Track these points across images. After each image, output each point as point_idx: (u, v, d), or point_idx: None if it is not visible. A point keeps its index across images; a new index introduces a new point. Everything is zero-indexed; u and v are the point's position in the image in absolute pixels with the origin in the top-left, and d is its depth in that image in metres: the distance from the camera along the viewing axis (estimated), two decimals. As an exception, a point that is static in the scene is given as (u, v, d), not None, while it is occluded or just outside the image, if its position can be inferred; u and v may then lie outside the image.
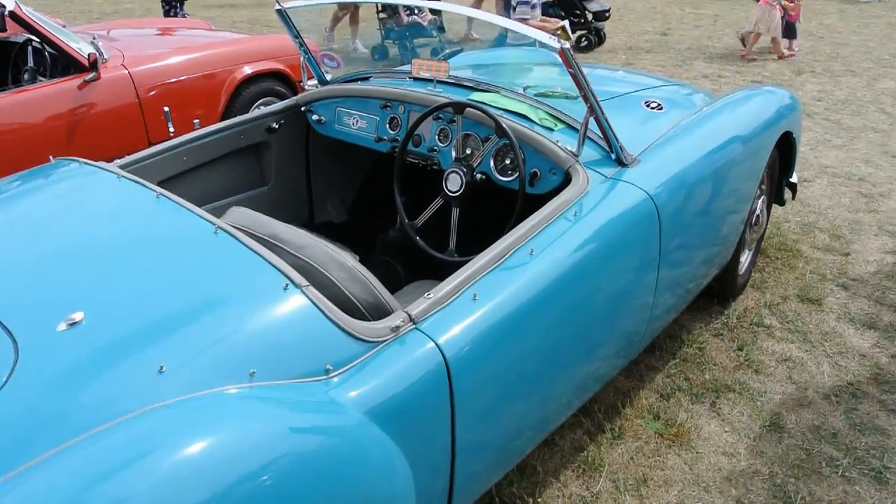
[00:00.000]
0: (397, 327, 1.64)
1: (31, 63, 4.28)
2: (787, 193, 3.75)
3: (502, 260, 1.90)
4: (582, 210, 2.15)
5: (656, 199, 2.34)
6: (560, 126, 2.49)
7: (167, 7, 8.05)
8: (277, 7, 2.81)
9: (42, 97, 3.98)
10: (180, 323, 1.51)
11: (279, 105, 3.12)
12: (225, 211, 3.07)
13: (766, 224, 3.64)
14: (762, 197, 3.37)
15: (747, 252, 3.49)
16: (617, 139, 2.35)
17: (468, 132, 2.56)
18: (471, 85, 2.74)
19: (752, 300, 3.53)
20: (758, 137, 3.05)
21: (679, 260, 2.57)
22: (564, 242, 2.04)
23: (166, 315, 1.54)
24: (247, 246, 1.71)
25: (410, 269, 2.77)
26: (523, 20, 7.16)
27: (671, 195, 2.42)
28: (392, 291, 2.66)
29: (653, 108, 2.92)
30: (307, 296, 1.60)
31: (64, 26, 6.25)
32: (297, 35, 2.94)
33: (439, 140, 2.67)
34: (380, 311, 1.76)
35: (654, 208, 2.33)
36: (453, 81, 2.75)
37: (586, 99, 2.22)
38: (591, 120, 2.28)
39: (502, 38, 7.05)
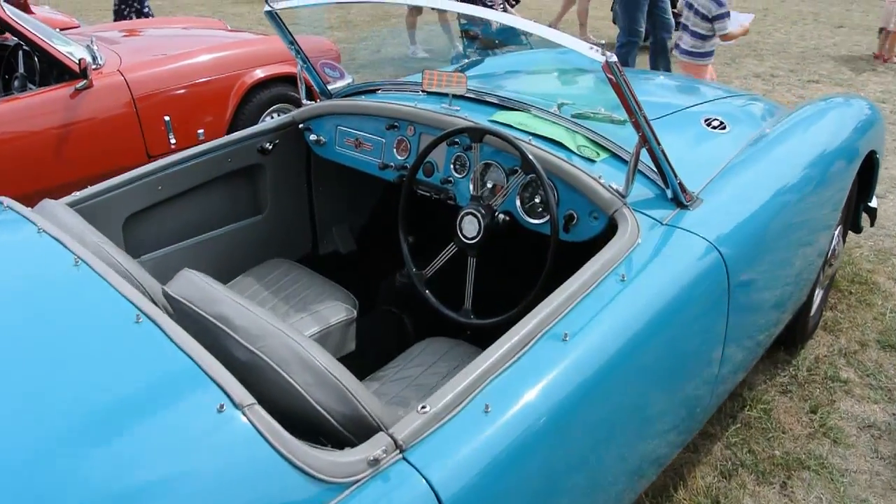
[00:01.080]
0: (376, 460, 1.16)
1: (21, 69, 3.89)
2: (865, 219, 3.17)
3: (526, 349, 1.41)
4: (631, 270, 1.64)
5: (723, 250, 1.82)
6: (603, 156, 1.98)
7: (122, 6, 6.39)
8: (267, 9, 2.34)
9: (30, 107, 3.58)
10: (66, 464, 1.06)
11: (273, 123, 2.65)
12: (212, 245, 2.66)
13: (841, 256, 3.08)
14: (839, 226, 2.81)
15: (820, 290, 2.93)
16: (675, 175, 1.83)
17: (490, 161, 2.06)
18: (494, 101, 2.23)
19: (824, 346, 2.97)
20: (839, 161, 2.49)
21: (749, 312, 2.04)
22: (609, 320, 1.54)
23: (49, 450, 1.08)
24: (175, 342, 1.24)
25: (421, 322, 2.29)
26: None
27: (741, 243, 1.90)
28: (398, 349, 2.19)
29: (714, 128, 2.38)
30: (249, 420, 1.13)
31: (77, 27, 5.92)
32: (291, 41, 2.47)
33: (455, 170, 2.18)
34: (360, 428, 1.28)
35: (721, 263, 1.81)
36: (473, 97, 2.25)
37: (637, 126, 1.71)
38: (644, 151, 1.76)
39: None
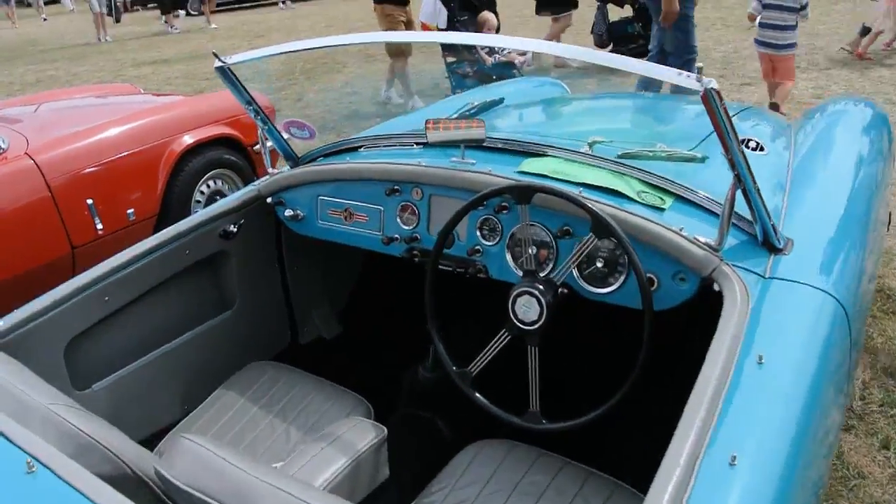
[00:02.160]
0: None
1: None
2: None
3: (691, 485, 1.01)
4: (763, 347, 1.27)
5: (838, 295, 1.49)
6: (669, 201, 1.61)
7: None
8: (218, 64, 1.88)
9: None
10: None
11: (234, 200, 2.17)
12: (177, 357, 2.14)
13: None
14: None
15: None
16: (770, 217, 1.48)
17: (532, 223, 1.66)
18: (516, 148, 1.84)
19: (866, 367, 2.70)
20: (880, 164, 2.24)
21: (857, 352, 1.73)
22: (769, 423, 1.16)
23: None
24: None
25: (455, 422, 1.85)
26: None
27: (847, 282, 1.58)
28: (439, 461, 1.74)
29: (753, 150, 2.07)
30: None
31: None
32: (249, 100, 2.01)
33: (483, 236, 1.76)
34: None
35: (841, 311, 1.47)
36: (489, 145, 1.85)
37: (734, 165, 1.35)
38: (738, 193, 1.41)
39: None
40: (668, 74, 1.25)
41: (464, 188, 1.73)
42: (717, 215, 1.58)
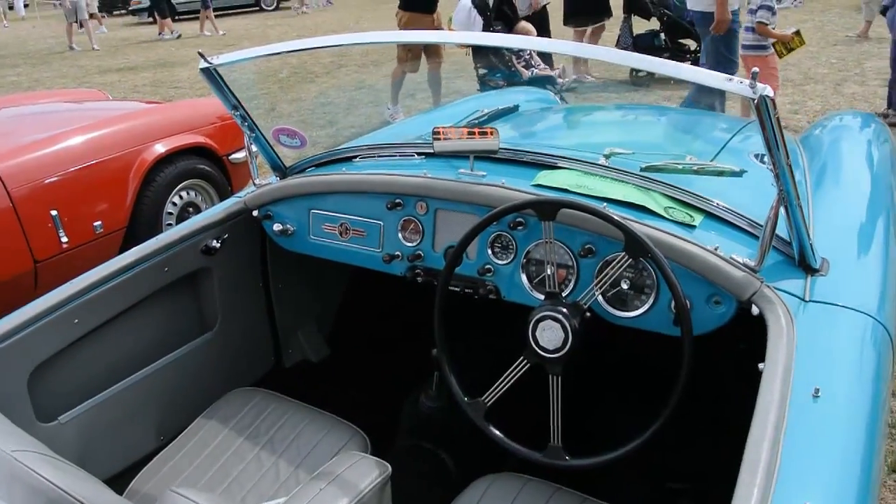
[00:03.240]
0: None
1: None
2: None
3: None
4: (816, 379, 1.16)
5: (881, 318, 1.38)
6: (698, 218, 1.50)
7: None
8: (204, 65, 1.72)
9: None
10: None
11: (218, 212, 2.01)
12: (152, 383, 1.96)
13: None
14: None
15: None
16: (809, 236, 1.38)
17: (552, 241, 1.53)
18: (529, 159, 1.71)
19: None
20: (892, 172, 2.19)
21: None
22: (834, 466, 1.04)
23: None
24: None
25: (461, 455, 1.70)
26: None
27: (889, 304, 1.47)
28: (444, 500, 1.59)
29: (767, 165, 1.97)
30: None
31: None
32: (236, 104, 1.85)
33: (494, 254, 1.63)
34: None
35: (887, 336, 1.36)
36: (499, 156, 1.72)
37: (779, 179, 1.24)
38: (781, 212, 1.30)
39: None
40: (717, 80, 1.14)
41: (474, 203, 1.60)
42: (749, 233, 1.48)
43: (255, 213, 1.99)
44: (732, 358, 1.87)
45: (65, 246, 3.16)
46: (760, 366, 1.21)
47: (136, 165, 3.48)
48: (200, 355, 2.03)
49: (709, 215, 1.51)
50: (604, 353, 1.74)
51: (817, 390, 1.12)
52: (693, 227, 1.46)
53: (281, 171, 2.08)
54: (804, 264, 1.42)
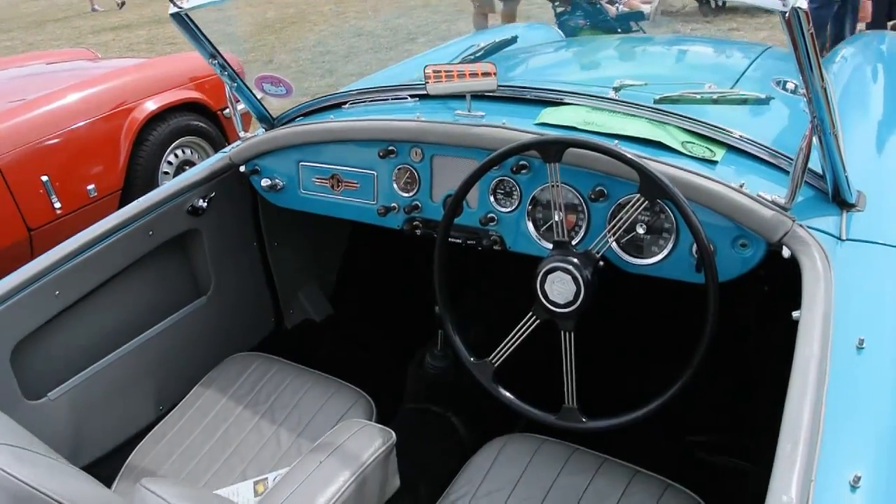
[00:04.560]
0: None
1: None
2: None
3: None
4: (859, 327, 1.03)
5: None
6: (720, 152, 1.35)
7: None
8: (174, 10, 1.56)
9: None
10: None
11: (203, 170, 1.87)
12: (144, 353, 1.78)
13: None
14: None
15: None
16: (845, 168, 1.23)
17: (559, 184, 1.39)
18: (530, 96, 1.55)
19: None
20: None
21: None
22: (884, 425, 0.92)
23: None
24: None
25: (471, 417, 1.60)
26: None
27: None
28: (455, 464, 1.50)
29: (792, 92, 1.80)
30: None
31: None
32: (213, 53, 1.70)
33: (497, 201, 1.49)
34: None
35: None
36: (498, 94, 1.56)
37: (812, 104, 1.09)
38: (815, 141, 1.15)
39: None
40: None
41: (473, 146, 1.45)
42: (776, 167, 1.33)
43: (242, 168, 1.86)
44: (754, 302, 1.74)
45: (59, 212, 3.06)
46: (795, 314, 1.08)
47: (126, 125, 3.34)
48: (195, 321, 1.93)
49: (731, 149, 1.36)
50: (620, 305, 1.61)
51: (861, 341, 0.99)
52: (714, 162, 1.31)
53: (268, 121, 1.94)
54: (839, 199, 1.27)
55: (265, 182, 1.80)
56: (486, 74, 1.42)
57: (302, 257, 2.21)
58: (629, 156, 1.17)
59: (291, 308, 2.22)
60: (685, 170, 1.23)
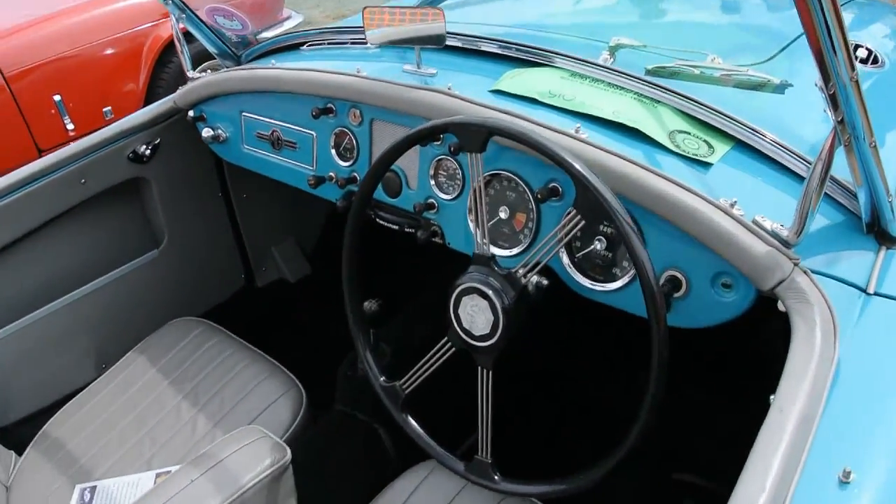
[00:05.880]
0: None
1: None
2: None
3: None
4: (835, 429, 0.70)
5: None
6: (724, 147, 0.98)
7: None
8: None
9: None
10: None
11: (146, 113, 1.64)
12: (85, 308, 1.59)
13: None
14: None
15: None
16: (888, 187, 0.85)
17: (499, 171, 1.07)
18: (495, 50, 1.21)
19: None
20: None
21: None
22: None
23: None
24: None
25: (398, 431, 1.34)
26: None
27: None
28: (374, 486, 1.26)
29: (864, 62, 1.37)
30: None
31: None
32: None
33: (438, 185, 1.18)
34: None
35: None
36: (458, 44, 1.23)
37: (835, 102, 0.72)
38: (841, 149, 0.79)
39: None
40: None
41: (410, 113, 1.14)
42: (793, 174, 0.96)
43: (190, 113, 1.60)
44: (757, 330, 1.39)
45: (71, 133, 2.93)
46: (771, 398, 0.75)
47: (148, 44, 3.14)
48: (145, 275, 1.75)
49: (740, 145, 0.99)
50: (570, 337, 1.29)
51: (847, 473, 0.66)
52: (708, 164, 0.95)
53: (233, 59, 1.67)
54: (877, 230, 0.90)
55: (207, 132, 1.55)
56: (432, 19, 1.09)
57: (277, 210, 1.97)
58: (561, 155, 0.84)
59: (264, 265, 2.00)
60: (657, 174, 0.89)
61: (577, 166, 0.82)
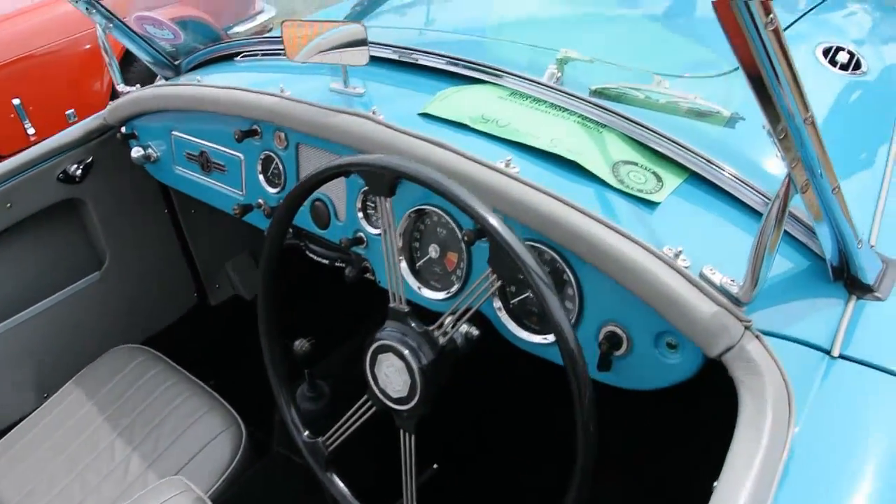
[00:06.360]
0: None
1: None
2: None
3: None
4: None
5: None
6: (673, 182, 0.86)
7: None
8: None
9: None
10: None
11: (74, 132, 1.53)
12: (23, 335, 1.49)
13: None
14: None
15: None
16: (857, 238, 0.74)
17: (424, 207, 0.96)
18: (427, 63, 1.09)
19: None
20: None
21: None
22: None
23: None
24: None
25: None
26: None
27: None
28: None
29: (844, 69, 1.24)
30: None
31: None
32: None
33: (366, 218, 1.07)
34: None
35: None
36: (387, 55, 1.11)
37: (788, 144, 0.60)
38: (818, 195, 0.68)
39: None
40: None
41: (328, 139, 1.02)
42: (754, 212, 0.84)
43: (123, 129, 1.49)
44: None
45: (33, 138, 2.81)
46: (715, 485, 0.64)
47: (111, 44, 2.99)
48: (87, 299, 1.64)
49: (694, 177, 0.87)
50: (507, 394, 1.19)
51: None
52: (655, 203, 0.83)
53: (171, 68, 1.56)
54: (847, 277, 0.79)
55: (137, 152, 1.44)
56: (352, 39, 0.97)
57: (229, 224, 1.85)
58: (475, 206, 0.72)
59: (217, 282, 1.89)
60: (593, 217, 0.77)
61: (491, 220, 0.71)
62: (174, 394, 1.45)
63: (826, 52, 1.26)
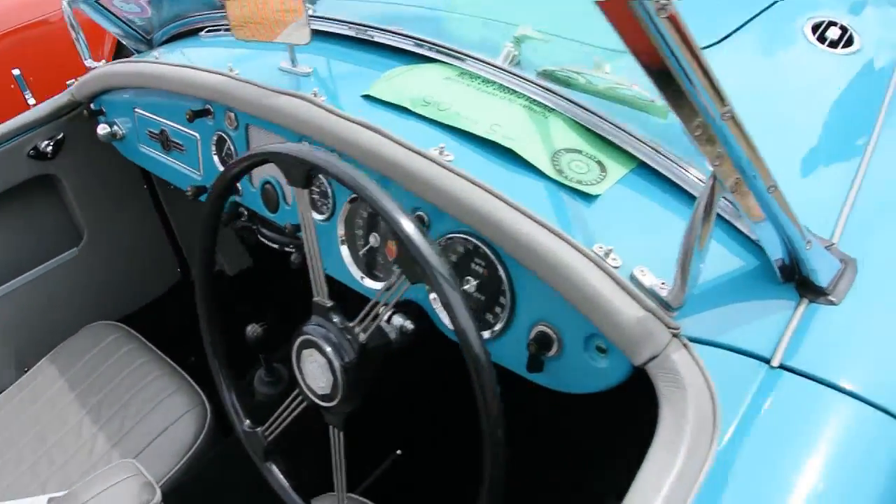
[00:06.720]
0: None
1: None
2: None
3: None
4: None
5: None
6: (619, 172, 0.80)
7: None
8: None
9: None
10: None
11: (43, 109, 1.51)
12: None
13: None
14: None
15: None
16: (803, 235, 0.68)
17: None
18: (376, 39, 1.04)
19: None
20: None
21: None
22: None
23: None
24: None
25: (298, 463, 1.22)
26: None
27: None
28: None
29: (834, 45, 1.16)
30: None
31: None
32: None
33: (312, 202, 1.03)
34: None
35: None
36: (333, 30, 1.06)
37: (705, 134, 0.55)
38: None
39: None
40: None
41: (274, 122, 0.98)
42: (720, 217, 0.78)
43: (92, 106, 1.46)
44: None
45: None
46: None
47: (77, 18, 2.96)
48: (65, 275, 1.64)
49: (643, 167, 0.81)
50: (445, 387, 1.15)
51: None
52: (593, 196, 0.77)
53: (143, 42, 1.52)
54: (798, 278, 0.73)
55: (103, 129, 1.41)
56: (293, 18, 0.92)
57: None
58: (384, 204, 0.67)
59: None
60: (522, 212, 0.72)
61: (399, 220, 0.66)
62: (144, 372, 1.44)
63: (816, 28, 1.17)
